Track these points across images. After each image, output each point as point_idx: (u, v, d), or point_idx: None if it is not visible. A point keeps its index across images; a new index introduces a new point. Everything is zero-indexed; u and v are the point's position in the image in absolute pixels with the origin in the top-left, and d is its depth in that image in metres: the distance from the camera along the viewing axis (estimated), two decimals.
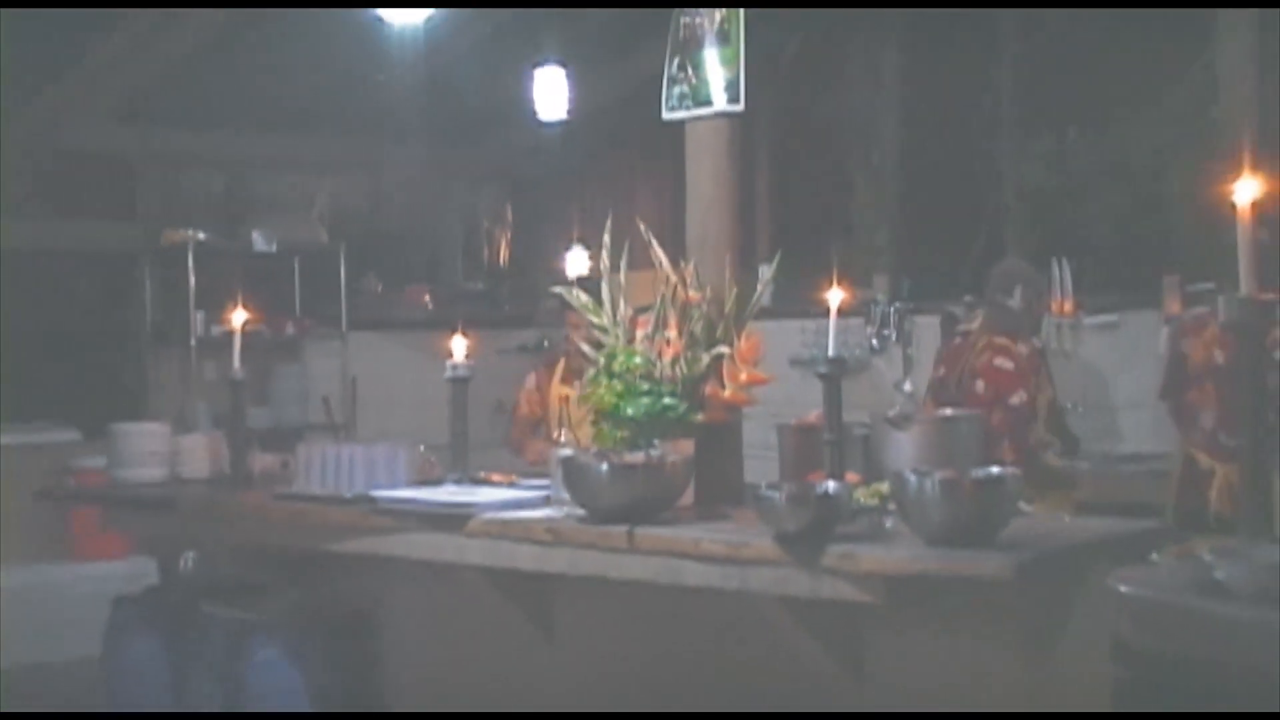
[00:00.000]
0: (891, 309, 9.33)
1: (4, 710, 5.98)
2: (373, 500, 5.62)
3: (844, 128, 10.02)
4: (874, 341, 9.35)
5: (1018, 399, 6.80)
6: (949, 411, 6.24)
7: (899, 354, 9.20)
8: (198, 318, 9.56)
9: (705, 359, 5.24)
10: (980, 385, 6.81)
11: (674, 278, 5.32)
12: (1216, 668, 6.02)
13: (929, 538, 4.38)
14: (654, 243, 5.38)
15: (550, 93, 8.65)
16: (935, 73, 9.66)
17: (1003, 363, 6.85)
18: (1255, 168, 3.63)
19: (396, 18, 7.02)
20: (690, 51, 5.57)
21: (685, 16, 5.59)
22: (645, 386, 5.20)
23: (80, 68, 8.58)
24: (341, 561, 5.97)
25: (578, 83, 8.70)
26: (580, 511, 5.06)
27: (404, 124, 9.88)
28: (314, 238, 10.26)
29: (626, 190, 10.04)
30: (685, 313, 5.28)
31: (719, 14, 5.50)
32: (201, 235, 9.65)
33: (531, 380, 7.59)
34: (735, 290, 5.34)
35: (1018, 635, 4.54)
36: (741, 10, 5.48)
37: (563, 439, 5.66)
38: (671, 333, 5.27)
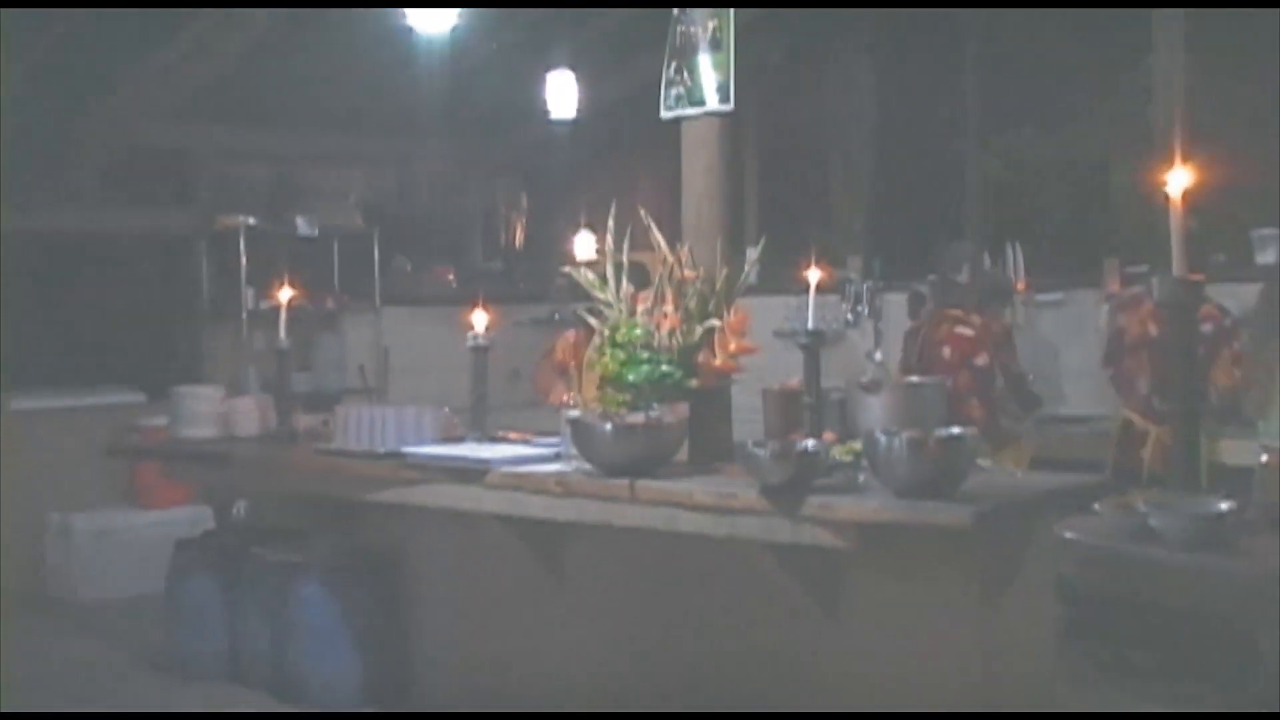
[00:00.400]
0: (864, 287, 9.32)
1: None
2: (402, 455, 5.63)
3: (823, 126, 10.00)
4: (849, 316, 9.34)
5: (981, 360, 6.85)
6: (914, 378, 6.24)
7: (871, 327, 9.19)
8: (248, 294, 9.55)
9: (699, 331, 5.24)
10: (946, 351, 6.86)
11: (671, 259, 5.32)
12: (1150, 605, 6.05)
13: (897, 490, 4.39)
14: (653, 228, 5.38)
15: (560, 94, 8.62)
16: (905, 78, 9.64)
17: (963, 330, 6.90)
18: (1186, 163, 3.62)
19: (424, 27, 7.00)
20: (686, 57, 5.55)
21: (681, 25, 5.57)
22: (645, 355, 5.20)
23: (145, 72, 8.55)
24: (375, 509, 5.98)
25: (585, 85, 8.68)
26: (587, 466, 5.07)
27: (430, 122, 9.86)
28: (351, 223, 10.24)
29: (628, 181, 10.00)
30: (681, 290, 5.28)
31: (711, 23, 5.49)
32: (252, 220, 9.63)
33: (572, 335, 7.45)
34: (725, 270, 5.35)
35: (975, 576, 4.54)
36: (732, 20, 5.47)
37: (572, 402, 5.64)
38: (669, 307, 5.27)
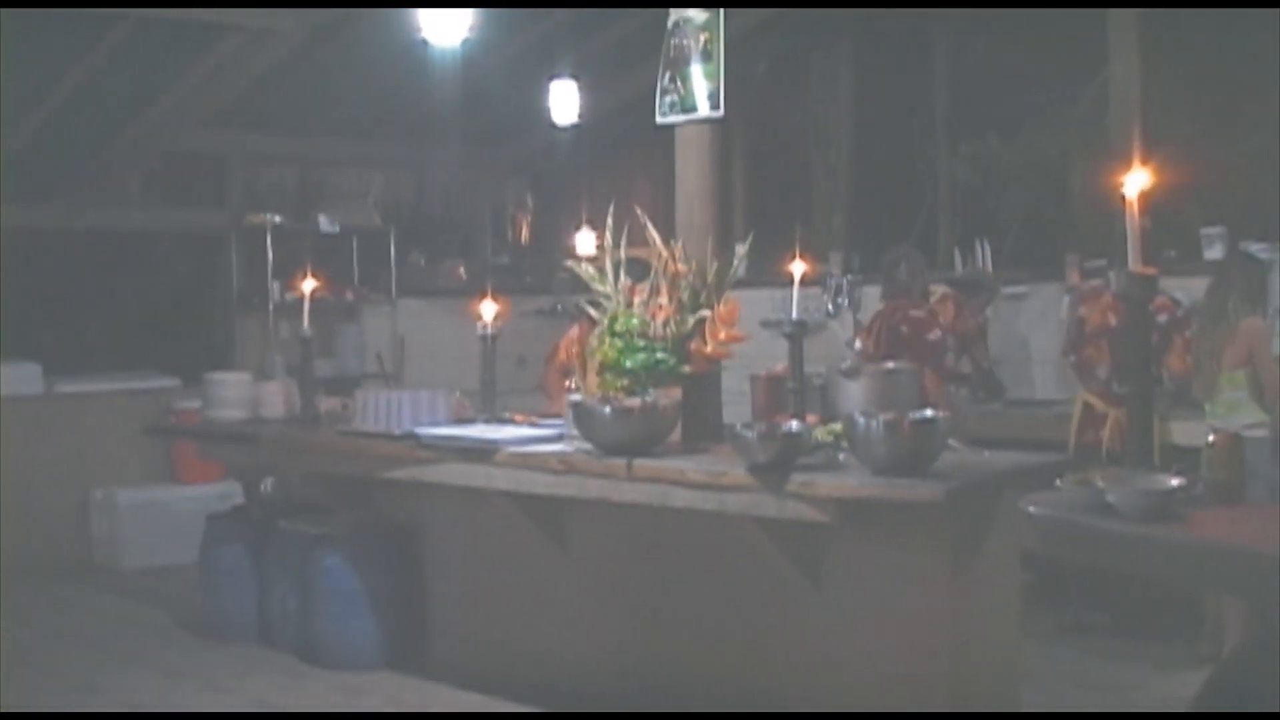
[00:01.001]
0: (844, 280, 9.30)
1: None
2: (417, 436, 5.62)
3: (805, 131, 9.97)
4: (830, 307, 9.32)
5: (933, 335, 6.91)
6: (891, 365, 6.23)
7: (850, 318, 9.17)
8: (275, 286, 9.53)
9: (691, 321, 5.23)
10: (904, 329, 6.92)
11: (665, 254, 5.30)
12: (1105, 572, 6.05)
13: (874, 468, 4.38)
14: (649, 225, 5.37)
15: (563, 101, 8.59)
16: (880, 87, 9.61)
17: (916, 313, 6.97)
18: (1141, 166, 3.61)
19: (437, 40, 6.97)
20: (679, 67, 5.54)
21: (675, 38, 5.56)
22: (641, 344, 5.19)
23: (181, 84, 8.53)
24: (392, 486, 5.97)
25: (586, 93, 8.65)
26: (588, 446, 5.06)
27: (443, 128, 9.84)
28: (369, 221, 10.22)
29: (626, 182, 9.98)
30: (675, 283, 5.27)
31: (703, 36, 5.48)
32: (278, 219, 9.61)
33: (574, 331, 7.28)
34: (716, 264, 5.33)
35: (946, 548, 4.54)
36: (722, 33, 5.46)
37: (574, 387, 5.64)
38: (663, 299, 5.25)
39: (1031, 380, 8.15)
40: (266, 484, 7.20)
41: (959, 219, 9.15)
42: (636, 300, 5.30)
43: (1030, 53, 8.61)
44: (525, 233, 11.36)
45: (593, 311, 5.46)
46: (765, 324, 8.66)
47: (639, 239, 5.39)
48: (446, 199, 11.05)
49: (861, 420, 4.43)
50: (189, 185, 9.86)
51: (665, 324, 5.21)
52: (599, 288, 5.38)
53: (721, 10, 5.47)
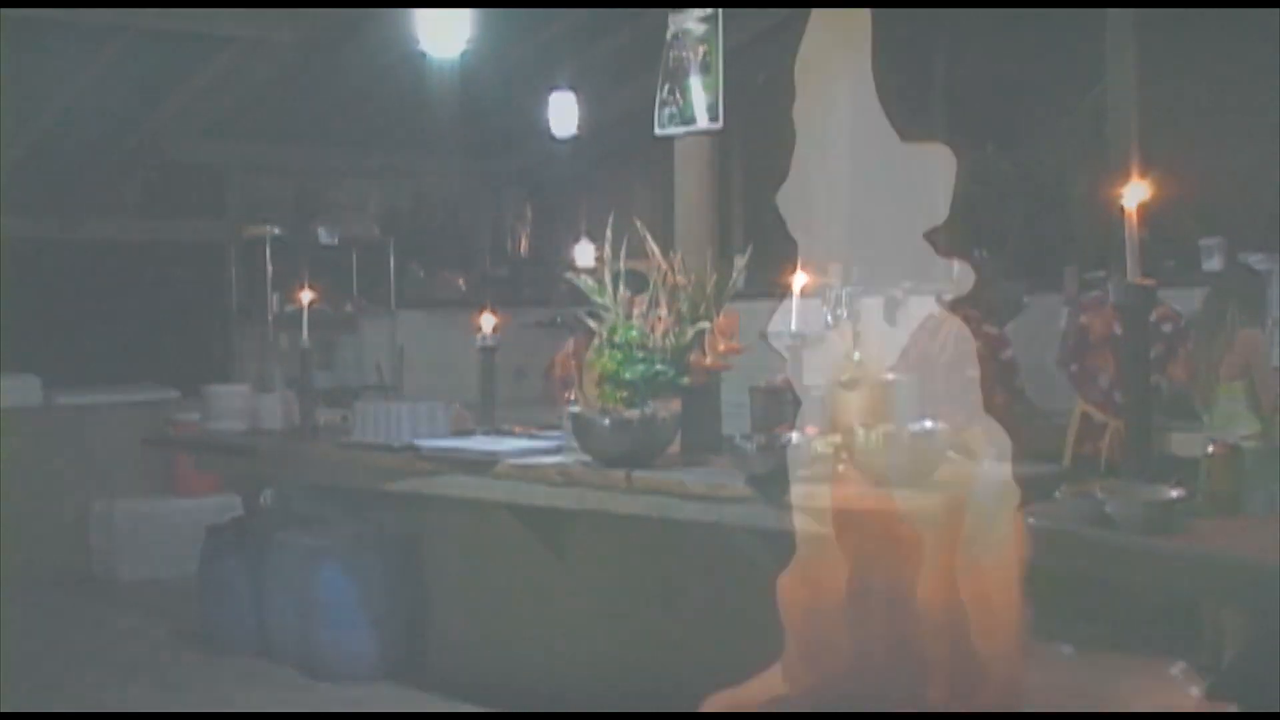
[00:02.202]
0: (844, 292, 9.29)
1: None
2: (416, 448, 5.62)
3: None
4: (829, 319, 9.31)
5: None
6: (890, 375, 6.22)
7: (850, 329, 9.16)
8: (273, 298, 9.53)
9: (690, 332, 5.24)
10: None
11: (664, 265, 5.31)
12: (1103, 583, 6.05)
13: (874, 480, 4.38)
14: (648, 237, 5.37)
15: (563, 113, 8.61)
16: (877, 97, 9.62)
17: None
18: (1140, 178, 3.63)
19: (436, 51, 6.98)
20: (678, 79, 5.56)
21: (674, 50, 5.58)
22: (641, 355, 5.20)
23: (179, 96, 8.55)
24: (391, 498, 5.98)
25: (585, 105, 8.67)
26: (587, 458, 5.07)
27: (441, 139, 9.85)
28: (368, 233, 10.23)
29: (625, 193, 9.97)
30: (674, 294, 5.27)
31: (701, 48, 5.50)
32: (277, 230, 9.62)
33: (570, 345, 7.33)
34: (715, 276, 5.34)
35: (944, 559, 4.53)
36: (720, 45, 5.48)
37: (573, 399, 5.65)
38: (662, 311, 5.26)
39: (1028, 391, 8.13)
40: (266, 496, 7.21)
41: (957, 229, 9.14)
42: (636, 312, 5.31)
43: (1028, 63, 8.62)
44: (524, 244, 11.36)
45: (592, 323, 5.47)
46: (765, 336, 8.66)
47: (638, 251, 5.40)
48: (445, 211, 11.05)
49: (861, 432, 4.43)
50: (187, 196, 9.86)
51: (664, 336, 5.22)
52: (598, 299, 5.39)
53: (720, 20, 5.49)
